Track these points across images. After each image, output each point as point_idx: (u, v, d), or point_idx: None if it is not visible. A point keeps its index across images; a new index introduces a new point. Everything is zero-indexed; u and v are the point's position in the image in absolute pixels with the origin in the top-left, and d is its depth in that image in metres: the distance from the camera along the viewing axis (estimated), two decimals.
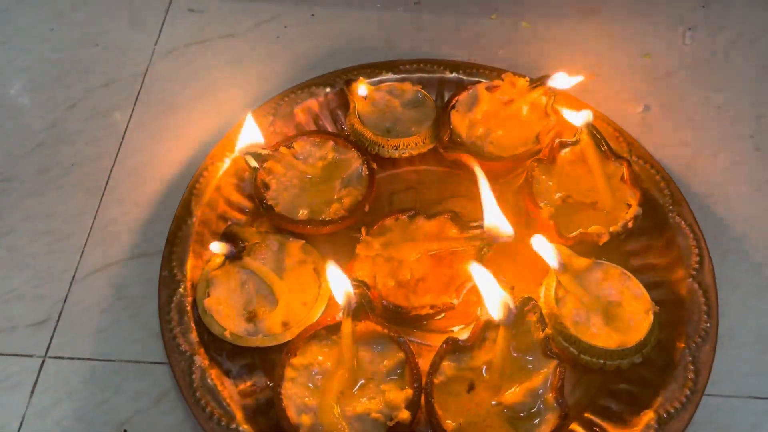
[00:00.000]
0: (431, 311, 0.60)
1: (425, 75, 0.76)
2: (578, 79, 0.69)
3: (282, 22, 0.87)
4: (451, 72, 0.76)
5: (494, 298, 0.55)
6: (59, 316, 0.64)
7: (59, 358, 0.62)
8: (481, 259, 0.60)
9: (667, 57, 0.83)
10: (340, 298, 0.56)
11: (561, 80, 0.69)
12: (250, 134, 0.67)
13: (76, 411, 0.60)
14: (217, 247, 0.61)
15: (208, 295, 0.61)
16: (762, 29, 0.86)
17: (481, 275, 0.57)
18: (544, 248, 0.60)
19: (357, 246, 0.63)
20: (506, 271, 0.63)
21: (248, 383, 0.59)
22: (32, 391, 0.61)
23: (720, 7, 0.88)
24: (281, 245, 0.64)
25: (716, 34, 0.85)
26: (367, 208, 0.66)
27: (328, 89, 0.75)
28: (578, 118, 0.67)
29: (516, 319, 0.56)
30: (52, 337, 0.63)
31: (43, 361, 0.62)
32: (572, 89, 0.71)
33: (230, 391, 0.58)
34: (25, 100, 0.80)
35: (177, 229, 0.65)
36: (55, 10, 0.88)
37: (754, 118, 0.78)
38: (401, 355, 0.57)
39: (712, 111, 0.79)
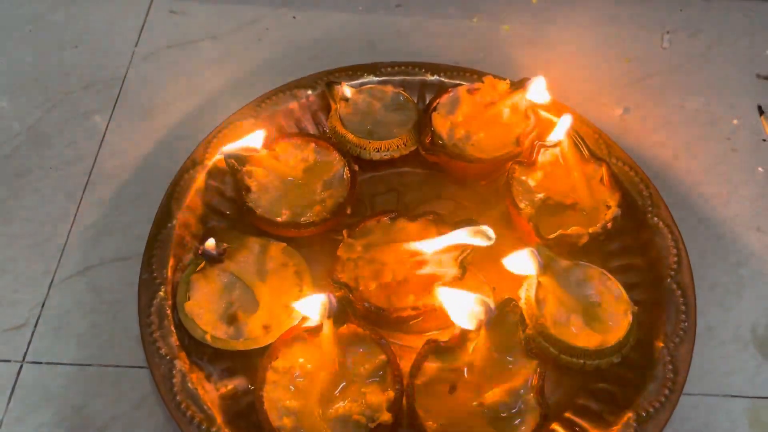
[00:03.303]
0: (413, 313, 0.60)
1: (406, 77, 0.76)
2: (544, 97, 0.69)
3: (263, 24, 0.86)
4: (433, 74, 0.76)
5: (465, 312, 0.56)
6: (37, 321, 0.64)
7: (37, 363, 0.62)
8: (462, 265, 0.61)
9: (646, 60, 0.84)
10: (319, 307, 0.56)
11: (532, 94, 0.69)
12: (233, 138, 0.68)
13: (55, 416, 0.59)
14: (213, 243, 0.61)
15: (189, 299, 0.61)
16: (739, 32, 0.87)
17: (447, 298, 0.57)
18: (519, 265, 0.60)
19: (339, 248, 0.63)
20: (488, 272, 0.64)
21: (229, 387, 0.59)
22: (10, 397, 0.60)
23: (698, 10, 0.89)
24: (262, 248, 0.64)
25: (694, 37, 0.87)
26: (348, 211, 0.66)
27: (309, 92, 0.75)
28: (558, 129, 0.67)
29: (497, 320, 0.57)
30: (29, 342, 0.63)
31: (21, 366, 0.61)
32: (553, 92, 0.71)
33: (211, 395, 0.58)
34: (2, 102, 0.79)
35: (157, 232, 0.65)
36: (33, 12, 0.87)
37: (731, 120, 0.79)
38: (383, 357, 0.57)
39: (690, 113, 0.80)
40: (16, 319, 0.64)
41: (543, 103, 0.69)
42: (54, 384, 0.61)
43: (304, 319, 0.59)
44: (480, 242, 0.60)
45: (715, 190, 0.74)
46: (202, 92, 0.80)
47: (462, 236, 0.60)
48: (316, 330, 0.57)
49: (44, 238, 0.69)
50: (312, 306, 0.56)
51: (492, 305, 0.55)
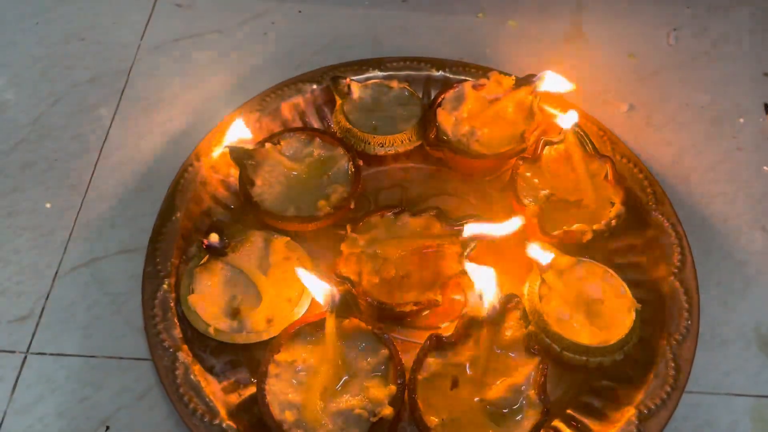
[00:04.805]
0: (415, 308, 0.60)
1: (412, 73, 0.76)
2: (566, 86, 0.68)
3: (269, 19, 0.86)
4: (438, 70, 0.76)
5: (488, 294, 0.56)
6: (42, 312, 0.64)
7: (41, 354, 0.62)
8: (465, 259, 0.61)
9: (652, 57, 0.84)
10: (323, 298, 0.56)
11: (550, 83, 0.69)
12: (238, 131, 0.68)
13: (59, 407, 0.59)
14: (216, 236, 0.61)
15: (192, 291, 0.61)
16: (745, 30, 0.87)
17: (479, 274, 0.57)
18: (538, 254, 0.60)
19: (342, 243, 0.63)
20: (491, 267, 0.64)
21: (232, 380, 0.59)
22: (14, 388, 0.60)
23: (704, 8, 0.89)
24: (266, 242, 0.64)
25: (701, 34, 0.86)
26: (352, 205, 0.66)
27: (314, 86, 0.75)
28: (564, 120, 0.67)
29: (499, 316, 0.57)
30: (34, 333, 0.63)
31: (25, 357, 0.62)
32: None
33: (214, 387, 0.58)
34: (8, 95, 0.79)
35: (161, 225, 0.65)
36: (40, 5, 0.87)
37: (737, 119, 0.79)
38: (385, 351, 0.57)
39: (696, 111, 0.79)
40: (20, 310, 0.64)
41: (563, 92, 0.69)
42: (58, 375, 0.61)
43: (309, 311, 0.60)
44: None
45: (720, 189, 0.73)
46: (208, 86, 0.80)
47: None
48: (319, 324, 0.57)
49: (49, 229, 0.69)
50: (318, 288, 0.56)
51: (495, 301, 0.55)
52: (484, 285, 0.56)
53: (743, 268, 0.68)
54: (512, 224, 0.61)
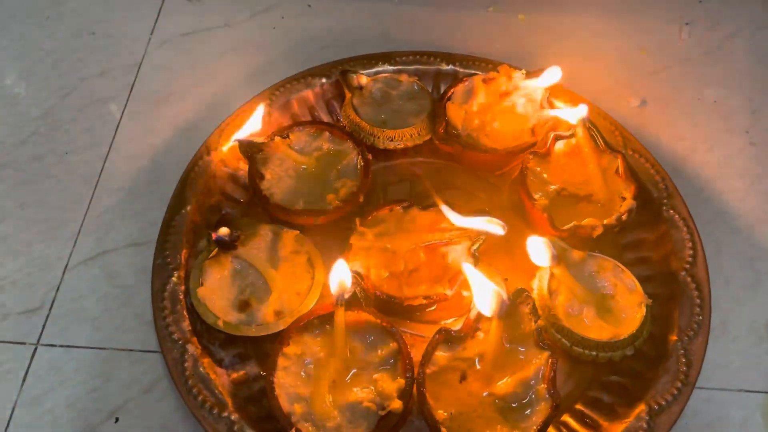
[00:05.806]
0: (424, 302, 0.60)
1: (421, 67, 0.76)
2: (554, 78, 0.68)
3: (279, 13, 0.86)
4: (448, 64, 0.76)
5: (485, 295, 0.55)
6: (52, 304, 0.64)
7: (51, 345, 0.62)
8: (474, 255, 0.61)
9: (664, 52, 0.83)
10: (334, 288, 0.56)
11: (548, 77, 0.69)
12: (250, 123, 0.68)
13: (68, 399, 0.60)
14: (226, 230, 0.62)
15: (202, 284, 0.61)
16: (758, 25, 0.86)
17: (473, 274, 0.57)
18: (537, 252, 0.60)
19: (351, 237, 0.63)
20: (500, 262, 0.64)
21: (241, 372, 0.59)
22: (24, 379, 0.61)
23: (717, 2, 0.88)
24: (275, 235, 0.64)
25: (713, 29, 0.85)
26: (361, 199, 0.66)
27: (324, 80, 0.75)
28: (574, 115, 0.66)
29: (509, 310, 0.56)
30: (44, 325, 0.63)
31: (35, 349, 0.62)
32: (569, 83, 0.71)
33: (222, 379, 0.58)
34: (19, 88, 0.79)
35: (171, 218, 0.65)
36: None
37: (750, 113, 0.78)
38: (394, 345, 0.57)
39: (708, 106, 0.79)
40: (30, 302, 0.65)
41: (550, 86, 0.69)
42: (67, 367, 0.61)
43: (318, 304, 0.60)
44: (492, 229, 0.59)
45: (732, 184, 0.73)
46: (217, 80, 0.80)
47: (476, 223, 0.60)
48: (328, 317, 0.57)
49: (59, 222, 0.69)
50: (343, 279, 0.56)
51: (505, 296, 0.55)
52: (480, 288, 0.56)
53: (755, 263, 0.68)
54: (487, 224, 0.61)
